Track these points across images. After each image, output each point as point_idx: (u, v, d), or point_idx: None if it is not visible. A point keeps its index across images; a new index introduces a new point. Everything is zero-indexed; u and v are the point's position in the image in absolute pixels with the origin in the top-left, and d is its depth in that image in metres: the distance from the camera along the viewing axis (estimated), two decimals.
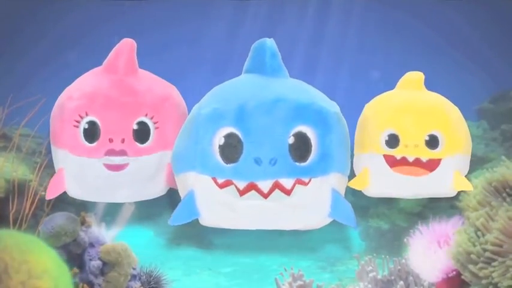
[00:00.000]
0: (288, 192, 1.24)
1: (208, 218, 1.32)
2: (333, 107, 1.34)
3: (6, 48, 3.47)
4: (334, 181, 1.31)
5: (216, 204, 1.29)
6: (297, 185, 1.24)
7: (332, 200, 1.30)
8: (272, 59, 1.35)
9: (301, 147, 1.25)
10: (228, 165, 1.24)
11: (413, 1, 3.76)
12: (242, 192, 1.24)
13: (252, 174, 1.22)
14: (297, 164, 1.24)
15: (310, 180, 1.26)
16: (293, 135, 1.25)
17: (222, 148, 1.25)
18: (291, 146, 1.24)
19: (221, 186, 1.26)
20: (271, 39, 1.37)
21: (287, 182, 1.23)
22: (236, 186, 1.24)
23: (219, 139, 1.25)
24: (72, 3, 3.60)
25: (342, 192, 1.35)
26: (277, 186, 1.22)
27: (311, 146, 1.26)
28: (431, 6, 3.71)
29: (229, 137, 1.25)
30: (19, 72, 3.45)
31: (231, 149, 1.24)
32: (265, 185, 1.22)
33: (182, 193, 1.37)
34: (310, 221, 1.31)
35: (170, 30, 3.69)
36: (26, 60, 3.51)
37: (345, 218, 1.32)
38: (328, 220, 1.33)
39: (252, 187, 1.23)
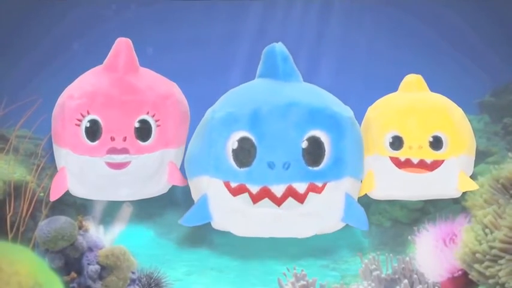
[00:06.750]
0: (301, 201, 1.24)
1: (221, 222, 1.33)
2: (346, 111, 1.35)
3: (0, 49, 3.44)
4: (347, 185, 1.31)
5: (229, 212, 1.30)
6: (310, 192, 1.24)
7: (345, 205, 1.30)
8: (284, 63, 1.36)
9: (314, 152, 1.25)
10: (241, 169, 1.25)
11: (415, 1, 3.75)
12: (255, 200, 1.24)
13: (265, 178, 1.22)
14: (310, 168, 1.24)
15: (323, 188, 1.26)
16: (306, 139, 1.25)
17: (235, 152, 1.25)
18: (304, 150, 1.24)
19: (234, 193, 1.26)
20: (280, 43, 1.37)
21: (300, 187, 1.23)
22: (249, 192, 1.24)
23: (232, 143, 1.26)
24: (67, 4, 3.58)
25: (355, 196, 1.36)
26: (290, 190, 1.22)
27: (324, 150, 1.26)
28: (432, 6, 3.70)
29: (243, 141, 1.25)
30: (14, 73, 3.43)
31: (245, 153, 1.25)
32: (278, 189, 1.22)
33: (195, 197, 1.37)
34: (323, 227, 1.32)
35: (171, 30, 3.68)
36: (21, 61, 3.49)
37: (357, 222, 1.33)
38: (342, 224, 1.34)
39: (265, 191, 1.23)
